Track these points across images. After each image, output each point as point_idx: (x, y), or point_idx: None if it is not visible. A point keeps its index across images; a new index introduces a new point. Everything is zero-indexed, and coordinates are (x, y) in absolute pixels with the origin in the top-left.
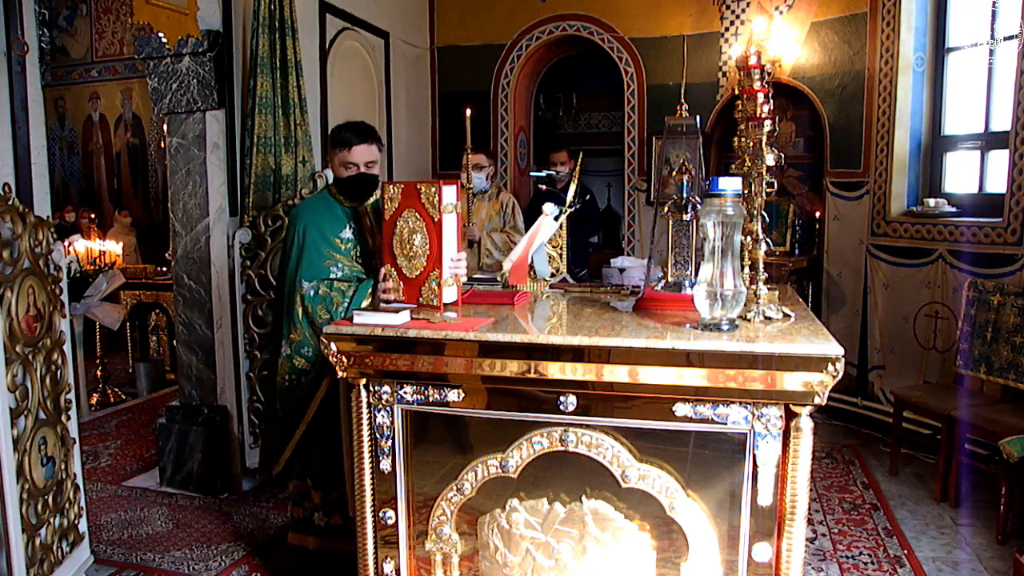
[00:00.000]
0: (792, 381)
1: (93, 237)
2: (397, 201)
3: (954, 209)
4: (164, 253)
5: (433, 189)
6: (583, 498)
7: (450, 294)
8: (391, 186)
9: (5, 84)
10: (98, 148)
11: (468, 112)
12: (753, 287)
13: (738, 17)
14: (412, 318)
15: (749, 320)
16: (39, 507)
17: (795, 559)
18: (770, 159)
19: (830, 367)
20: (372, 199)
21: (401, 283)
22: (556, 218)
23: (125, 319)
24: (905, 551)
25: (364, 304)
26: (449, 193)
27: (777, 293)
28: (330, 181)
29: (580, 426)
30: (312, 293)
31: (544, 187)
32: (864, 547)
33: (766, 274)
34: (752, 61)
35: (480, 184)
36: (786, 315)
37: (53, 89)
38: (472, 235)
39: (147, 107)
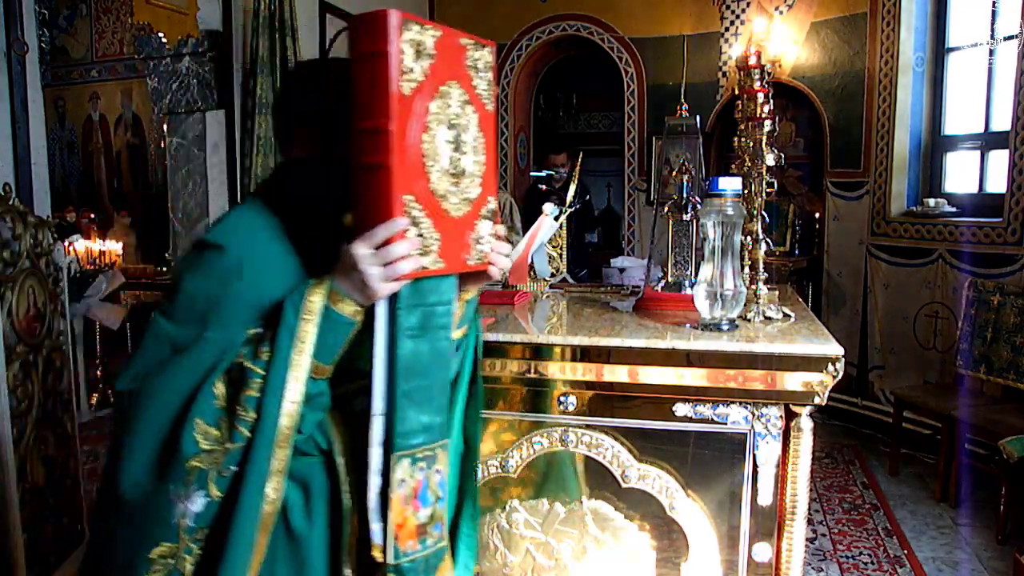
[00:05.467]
0: (792, 381)
1: (93, 237)
2: (430, 61)
3: (954, 209)
4: (164, 253)
5: (487, 50)
6: (583, 498)
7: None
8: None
9: (5, 84)
10: (98, 148)
11: None
12: (753, 287)
13: (738, 17)
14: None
15: (749, 320)
16: (39, 507)
17: (795, 559)
18: (770, 159)
19: (830, 367)
20: None
21: (439, 235)
22: (556, 218)
23: (125, 319)
24: (905, 551)
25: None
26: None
27: (777, 293)
28: None
29: (580, 426)
30: None
31: (543, 187)
32: (864, 547)
33: (766, 274)
34: (752, 61)
35: None
36: (786, 315)
37: (53, 89)
38: None
39: (147, 107)
